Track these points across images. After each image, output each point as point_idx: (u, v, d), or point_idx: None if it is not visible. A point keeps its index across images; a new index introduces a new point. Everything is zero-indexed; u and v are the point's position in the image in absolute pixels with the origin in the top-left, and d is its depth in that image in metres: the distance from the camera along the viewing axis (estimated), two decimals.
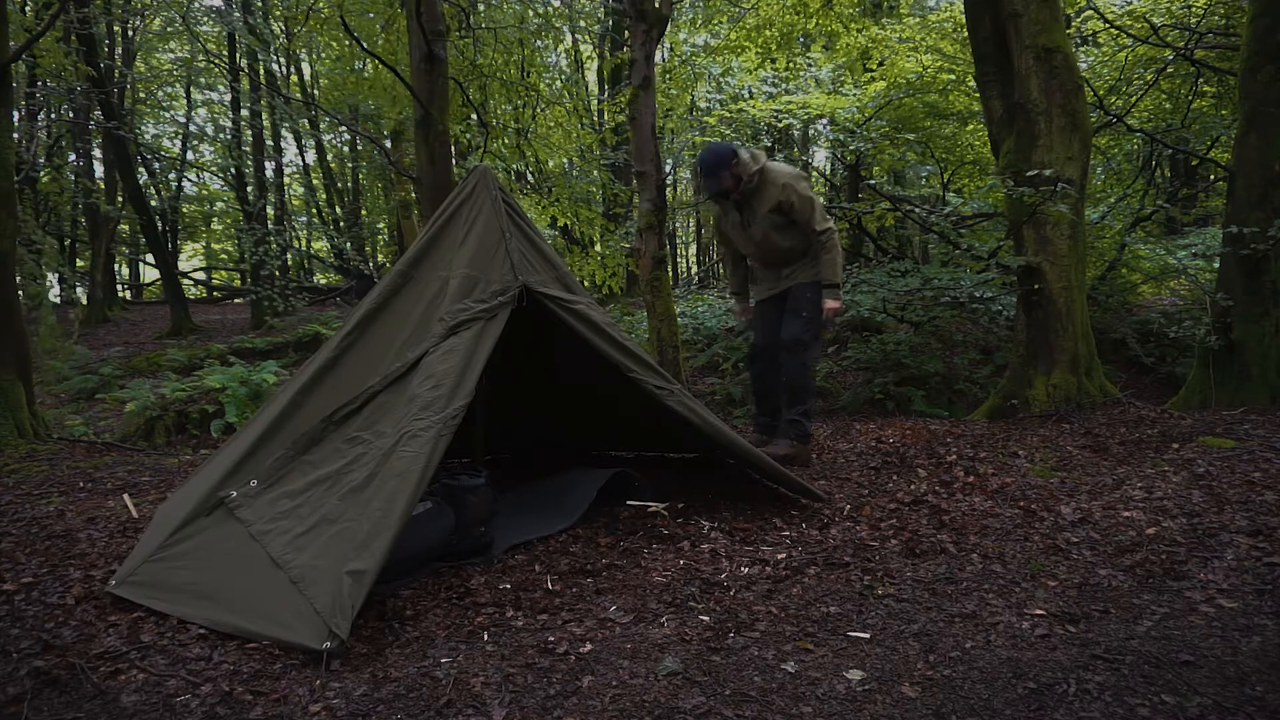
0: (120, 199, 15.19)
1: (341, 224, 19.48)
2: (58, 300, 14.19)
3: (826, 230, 4.25)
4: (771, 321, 4.47)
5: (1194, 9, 8.49)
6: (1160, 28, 8.26)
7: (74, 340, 8.77)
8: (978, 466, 4.14)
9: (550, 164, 11.84)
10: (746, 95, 10.01)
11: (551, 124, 10.71)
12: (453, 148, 8.07)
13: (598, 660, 2.27)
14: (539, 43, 10.71)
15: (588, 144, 11.47)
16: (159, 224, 16.21)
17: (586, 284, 11.81)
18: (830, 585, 2.79)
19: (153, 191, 17.68)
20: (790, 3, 9.86)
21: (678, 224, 22.37)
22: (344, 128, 15.65)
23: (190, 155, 19.32)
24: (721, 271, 5.34)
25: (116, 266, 19.58)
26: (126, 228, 18.21)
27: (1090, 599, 2.59)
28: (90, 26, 10.87)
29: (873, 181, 9.82)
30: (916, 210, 7.80)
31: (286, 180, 20.64)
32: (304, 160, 20.51)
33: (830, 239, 4.27)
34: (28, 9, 11.71)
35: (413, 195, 11.37)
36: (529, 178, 11.55)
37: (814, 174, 16.23)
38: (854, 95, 9.18)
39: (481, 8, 10.37)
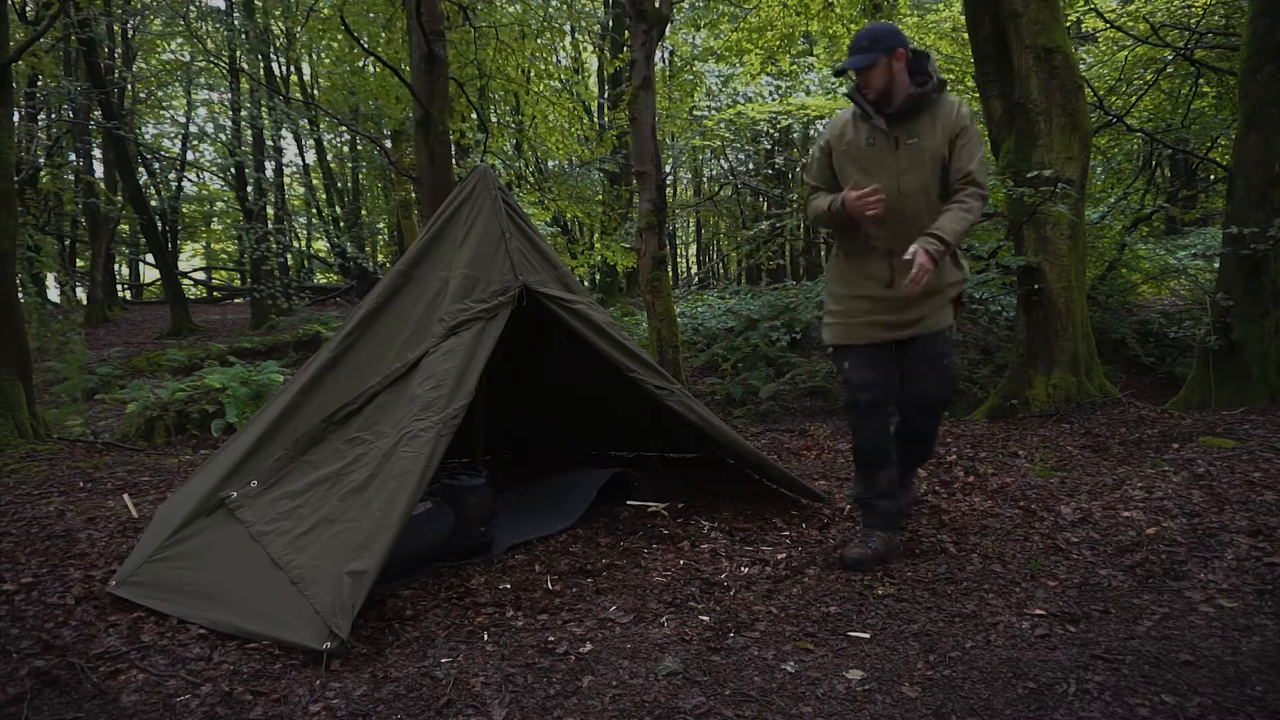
0: (120, 199, 15.20)
1: (341, 224, 19.50)
2: (56, 301, 14.21)
3: (984, 185, 2.93)
4: (887, 368, 3.02)
5: (1194, 9, 8.49)
6: (1160, 28, 8.26)
7: (78, 338, 8.77)
8: (978, 466, 4.14)
9: (551, 163, 11.86)
10: (744, 100, 10.03)
11: (552, 124, 10.73)
12: (453, 147, 8.07)
13: (598, 660, 2.27)
14: (540, 40, 10.73)
15: (590, 138, 11.48)
16: (159, 224, 16.21)
17: (586, 281, 11.83)
18: (830, 585, 2.79)
19: (153, 191, 17.69)
20: (791, 4, 9.87)
21: (678, 224, 22.38)
22: (344, 128, 15.66)
23: (190, 155, 19.34)
24: (810, 225, 3.55)
25: (116, 266, 19.59)
26: (126, 228, 18.22)
27: (1090, 599, 2.59)
28: (90, 27, 10.86)
29: None
30: None
31: (286, 180, 20.66)
32: (304, 160, 20.53)
33: (983, 198, 2.93)
34: (28, 9, 11.72)
35: (413, 195, 11.37)
36: (529, 178, 11.57)
37: None
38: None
39: (481, 8, 10.37)
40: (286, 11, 12.49)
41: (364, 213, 20.59)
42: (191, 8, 13.32)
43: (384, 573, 2.50)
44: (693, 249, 25.47)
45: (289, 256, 18.82)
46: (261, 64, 14.15)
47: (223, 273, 24.42)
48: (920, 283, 2.70)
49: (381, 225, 20.72)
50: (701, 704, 2.01)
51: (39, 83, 12.44)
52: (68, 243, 17.74)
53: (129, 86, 15.58)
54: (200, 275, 24.30)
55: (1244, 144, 5.46)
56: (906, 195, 2.89)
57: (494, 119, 10.55)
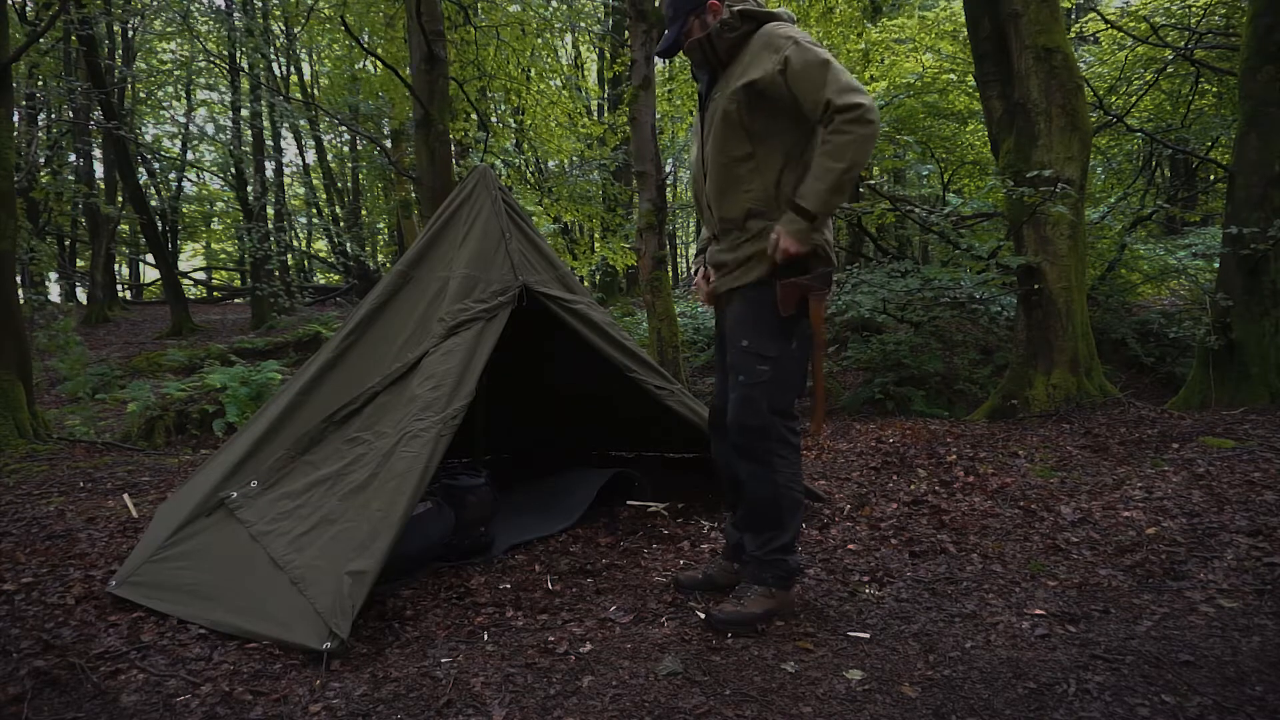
0: (120, 199, 15.20)
1: (341, 223, 19.52)
2: (55, 300, 14.22)
3: (854, 106, 2.17)
4: (723, 381, 2.64)
5: (1194, 9, 8.50)
6: (1160, 28, 8.27)
7: (74, 338, 8.78)
8: (978, 466, 4.14)
9: (551, 163, 11.87)
10: None
11: (553, 123, 10.74)
12: (453, 147, 8.08)
13: (598, 660, 2.27)
14: (540, 39, 10.75)
15: (593, 135, 11.49)
16: (159, 224, 16.23)
17: (586, 282, 11.82)
18: (830, 585, 2.79)
19: (153, 191, 17.70)
20: (789, 8, 9.87)
21: (678, 224, 22.41)
22: (344, 128, 15.68)
23: (190, 155, 19.35)
24: None
25: (116, 266, 19.60)
26: (126, 228, 18.24)
27: (1090, 599, 2.59)
28: (90, 26, 10.87)
29: (873, 181, 9.83)
30: (916, 210, 7.81)
31: (286, 180, 20.69)
32: (304, 160, 20.55)
33: (856, 121, 2.17)
34: (28, 9, 11.72)
35: (413, 195, 11.38)
36: (529, 178, 11.58)
37: None
38: None
39: (482, 9, 10.38)
40: (286, 11, 12.51)
41: (364, 213, 20.61)
42: (192, 7, 13.33)
43: (384, 572, 2.50)
44: (693, 249, 25.45)
45: (289, 256, 18.84)
46: (262, 64, 14.16)
47: (223, 273, 24.44)
48: (778, 254, 2.30)
49: (381, 225, 20.73)
50: (701, 704, 2.01)
51: (39, 83, 12.45)
52: (68, 243, 17.75)
53: (129, 86, 15.60)
54: (200, 275, 24.32)
55: (1244, 144, 5.47)
56: (707, 163, 2.47)
57: (494, 119, 10.56)
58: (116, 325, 15.17)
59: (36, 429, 5.86)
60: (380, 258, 21.34)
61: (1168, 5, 8.58)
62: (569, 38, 14.62)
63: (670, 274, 10.59)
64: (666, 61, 13.50)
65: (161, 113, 18.53)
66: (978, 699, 2.01)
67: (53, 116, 14.46)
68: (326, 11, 11.30)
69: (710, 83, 2.48)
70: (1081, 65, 7.88)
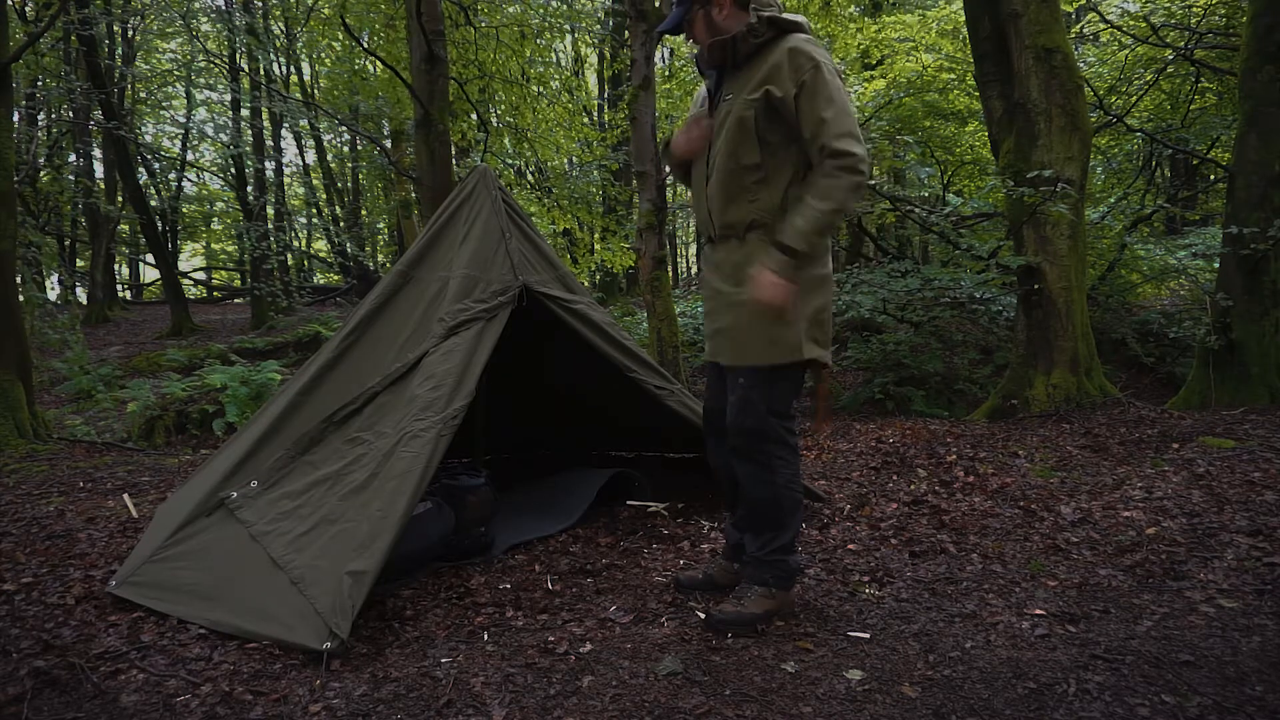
0: (120, 199, 15.21)
1: (341, 223, 19.53)
2: (56, 300, 14.23)
3: (847, 154, 2.23)
4: (716, 381, 2.64)
5: (1194, 9, 8.50)
6: (1160, 28, 8.27)
7: (77, 337, 8.79)
8: (978, 466, 4.14)
9: (551, 163, 11.87)
10: None
11: (553, 123, 10.74)
12: (453, 147, 8.08)
13: (598, 660, 2.27)
14: (540, 40, 10.75)
15: (590, 140, 11.50)
16: (159, 224, 16.23)
17: (586, 282, 11.81)
18: (830, 585, 2.79)
19: (153, 191, 17.71)
20: (789, 4, 9.88)
21: (678, 224, 22.39)
22: (344, 128, 15.69)
23: (190, 155, 19.36)
24: None
25: (116, 266, 19.61)
26: (126, 228, 18.25)
27: (1090, 599, 2.59)
28: (90, 26, 10.88)
29: (873, 181, 9.83)
30: (916, 210, 7.81)
31: (286, 180, 20.71)
32: (304, 160, 20.56)
33: (847, 170, 2.24)
34: (28, 9, 11.72)
35: (413, 195, 11.38)
36: (529, 177, 11.59)
37: None
38: (854, 94, 9.19)
39: (482, 10, 10.38)
40: (286, 11, 12.50)
41: (364, 213, 20.61)
42: (192, 7, 13.33)
43: (384, 572, 2.50)
44: (693, 249, 25.48)
45: (289, 256, 18.86)
46: (262, 63, 14.16)
47: (223, 273, 24.45)
48: (766, 302, 2.30)
49: (381, 225, 20.74)
50: (701, 704, 2.01)
51: (39, 83, 12.45)
52: (68, 243, 17.76)
53: (129, 86, 15.60)
54: (200, 275, 24.33)
55: (1244, 144, 5.47)
56: (712, 165, 2.44)
57: (494, 119, 10.57)
58: (116, 325, 15.17)
59: (36, 429, 5.86)
60: (380, 258, 21.35)
61: (1168, 5, 8.58)
62: (569, 39, 14.61)
63: (670, 274, 10.59)
64: (666, 60, 13.50)
65: (161, 113, 18.54)
66: (978, 699, 2.01)
67: (53, 116, 14.46)
68: (326, 11, 11.30)
69: (718, 80, 2.47)
70: (1081, 65, 7.88)
